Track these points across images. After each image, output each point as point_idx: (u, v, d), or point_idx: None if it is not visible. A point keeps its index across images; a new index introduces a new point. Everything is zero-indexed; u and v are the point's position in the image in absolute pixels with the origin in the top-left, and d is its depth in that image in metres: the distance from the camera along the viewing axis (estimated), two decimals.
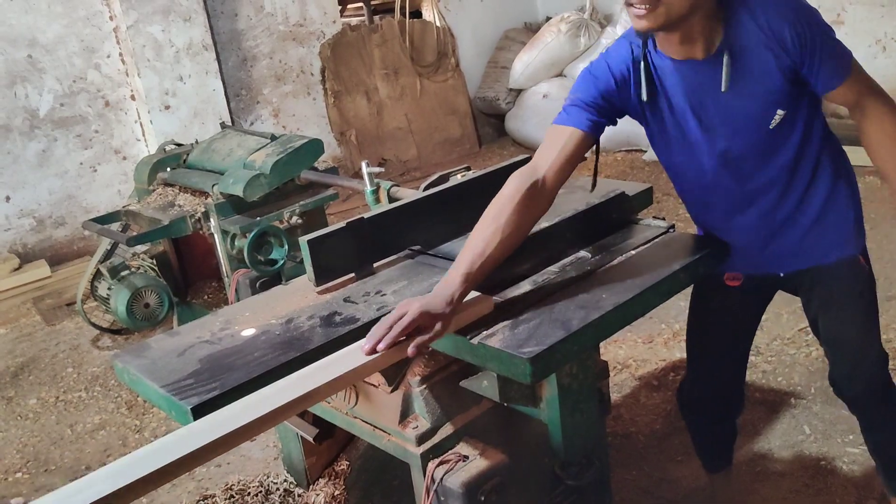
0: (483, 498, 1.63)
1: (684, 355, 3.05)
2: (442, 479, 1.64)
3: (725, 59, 1.60)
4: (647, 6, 1.52)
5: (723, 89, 1.62)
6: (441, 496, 1.65)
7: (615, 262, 1.81)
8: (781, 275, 1.88)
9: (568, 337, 1.50)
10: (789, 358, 2.95)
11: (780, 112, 1.65)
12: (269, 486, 2.21)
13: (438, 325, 1.46)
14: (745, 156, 1.71)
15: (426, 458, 1.69)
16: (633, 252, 1.85)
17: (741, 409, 2.20)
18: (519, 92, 6.34)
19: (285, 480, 2.18)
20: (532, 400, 1.74)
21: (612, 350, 3.16)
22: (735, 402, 2.17)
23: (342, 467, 2.18)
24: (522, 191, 1.65)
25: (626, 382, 2.93)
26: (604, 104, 1.72)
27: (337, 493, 2.08)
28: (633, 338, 3.23)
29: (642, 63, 1.69)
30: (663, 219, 2.04)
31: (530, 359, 1.43)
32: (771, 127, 1.67)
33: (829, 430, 2.51)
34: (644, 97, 1.70)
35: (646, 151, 5.57)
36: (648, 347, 3.17)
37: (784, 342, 3.05)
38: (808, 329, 3.06)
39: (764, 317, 3.21)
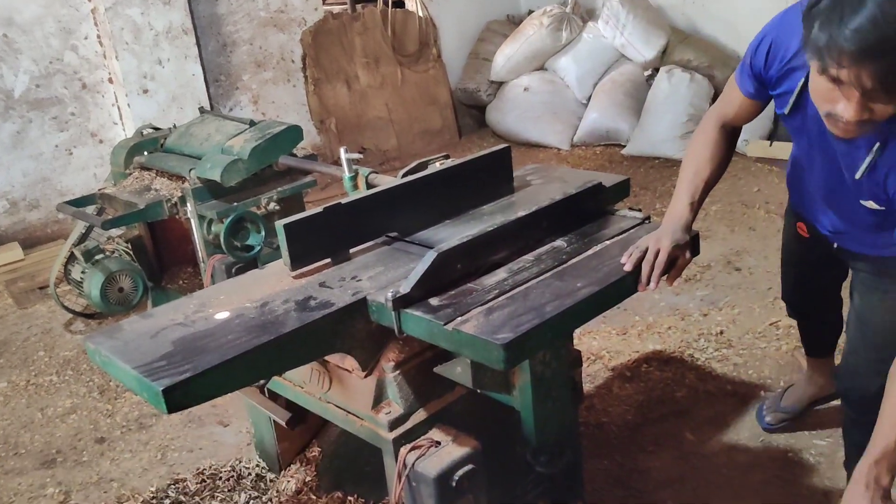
0: (455, 484, 1.64)
1: (657, 347, 3.10)
2: (414, 464, 1.65)
3: (875, 150, 1.52)
4: (857, 126, 1.38)
5: (857, 177, 1.58)
6: (413, 481, 1.66)
7: (590, 251, 1.83)
8: (835, 246, 1.94)
9: (542, 324, 1.51)
10: (760, 351, 2.99)
11: (872, 203, 1.63)
12: (240, 470, 2.20)
13: (688, 253, 1.77)
14: (838, 198, 1.75)
15: (398, 443, 1.70)
16: (608, 242, 1.87)
17: (838, 308, 2.35)
18: (500, 84, 6.34)
19: (257, 465, 2.18)
20: (505, 387, 1.75)
21: (587, 341, 3.18)
22: (830, 305, 2.32)
23: (314, 453, 2.18)
24: (717, 128, 1.89)
25: (599, 373, 2.95)
26: (759, 80, 1.76)
27: (308, 478, 2.08)
28: (608, 329, 3.25)
29: (803, 78, 1.60)
30: (639, 210, 2.06)
31: (504, 345, 1.44)
32: (864, 204, 1.65)
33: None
34: (786, 110, 1.70)
35: (625, 146, 5.61)
36: (622, 339, 3.19)
37: (756, 336, 3.09)
38: (779, 323, 3.13)
39: (736, 310, 3.32)
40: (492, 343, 1.45)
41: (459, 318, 1.56)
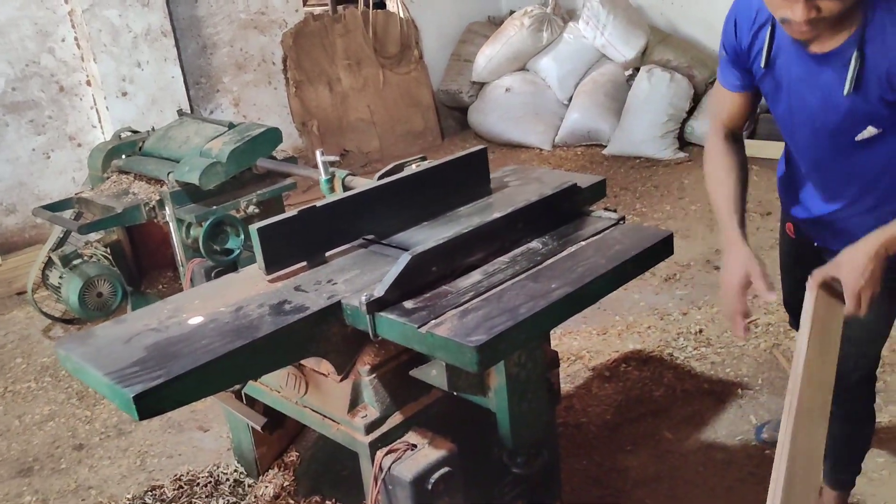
0: (431, 487, 1.64)
1: (637, 346, 3.12)
2: (390, 467, 1.65)
3: (854, 60, 1.51)
4: (809, 25, 1.46)
5: (845, 93, 1.55)
6: (389, 485, 1.66)
7: (565, 252, 1.83)
8: (815, 244, 1.95)
9: (515, 325, 1.51)
10: (738, 350, 3.01)
11: (871, 129, 1.60)
12: (218, 476, 2.19)
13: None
14: (829, 160, 1.74)
15: (374, 447, 1.70)
16: (583, 243, 1.87)
17: None
18: (482, 85, 6.35)
19: (235, 470, 2.17)
20: (480, 389, 1.75)
21: (567, 341, 3.19)
22: None
23: (292, 458, 2.17)
24: (721, 138, 1.88)
25: (579, 373, 2.97)
26: (737, 59, 1.77)
27: (286, 483, 2.07)
28: (588, 329, 3.27)
29: (769, 28, 1.65)
30: (615, 210, 2.07)
31: (477, 347, 1.44)
32: (857, 140, 1.63)
33: (774, 421, 2.57)
34: (762, 64, 1.70)
35: (605, 146, 5.63)
36: (602, 339, 3.21)
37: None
38: (758, 321, 3.16)
39: (715, 309, 3.34)
40: (465, 346, 1.45)
41: (433, 321, 1.56)
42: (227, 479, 2.16)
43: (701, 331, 3.18)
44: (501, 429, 1.78)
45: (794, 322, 2.36)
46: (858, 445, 2.10)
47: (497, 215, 1.88)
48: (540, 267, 1.77)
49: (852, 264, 1.60)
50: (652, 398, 2.77)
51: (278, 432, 2.12)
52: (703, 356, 3.00)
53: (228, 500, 2.10)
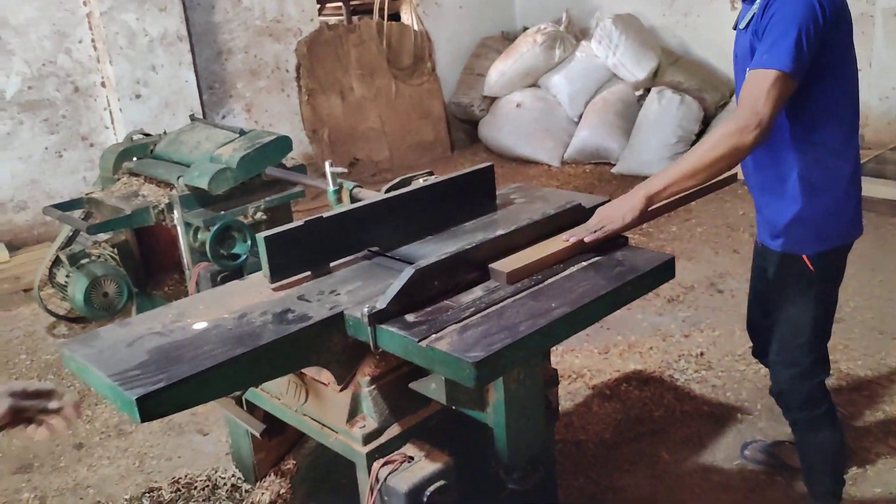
0: (426, 500, 1.65)
1: (638, 366, 3.13)
2: (386, 479, 1.66)
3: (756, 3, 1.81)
4: None
5: (741, 27, 1.90)
6: (384, 496, 1.67)
7: (566, 272, 1.84)
8: (759, 246, 2.10)
9: (514, 343, 1.52)
10: (739, 374, 3.01)
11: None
12: (216, 480, 2.20)
13: None
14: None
15: (371, 457, 1.71)
16: (584, 263, 1.89)
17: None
18: (493, 100, 6.39)
19: (233, 476, 2.18)
20: (479, 404, 1.76)
21: (569, 359, 3.20)
22: (761, 347, 2.30)
23: (289, 466, 2.19)
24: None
25: (579, 391, 2.97)
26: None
27: (283, 490, 2.08)
28: (590, 348, 3.27)
29: None
30: None
31: (475, 363, 1.45)
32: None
33: (760, 443, 2.57)
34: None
35: (614, 164, 5.65)
36: (604, 358, 3.21)
37: (735, 358, 3.12)
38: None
39: (717, 332, 3.35)
40: (463, 361, 1.47)
41: (434, 336, 1.57)
42: (225, 484, 2.17)
43: (702, 353, 3.18)
44: (498, 444, 1.79)
45: (756, 349, 2.38)
46: (820, 454, 2.11)
47: (501, 232, 1.90)
48: (541, 286, 1.79)
49: (608, 209, 1.89)
50: (651, 418, 2.77)
51: (277, 439, 2.13)
52: (704, 379, 3.00)
53: None
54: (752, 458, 2.49)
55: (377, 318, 1.63)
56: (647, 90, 5.81)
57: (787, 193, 1.94)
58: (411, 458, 1.71)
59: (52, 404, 1.44)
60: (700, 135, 5.48)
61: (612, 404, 2.88)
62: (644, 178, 2.01)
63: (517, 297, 1.73)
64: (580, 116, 6.00)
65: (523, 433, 1.80)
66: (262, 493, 2.07)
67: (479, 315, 1.65)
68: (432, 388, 1.68)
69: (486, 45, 6.70)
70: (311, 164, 5.26)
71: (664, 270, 1.87)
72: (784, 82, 1.73)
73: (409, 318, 1.65)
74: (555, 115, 6.06)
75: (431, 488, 1.65)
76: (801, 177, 1.91)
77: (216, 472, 2.27)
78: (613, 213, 1.90)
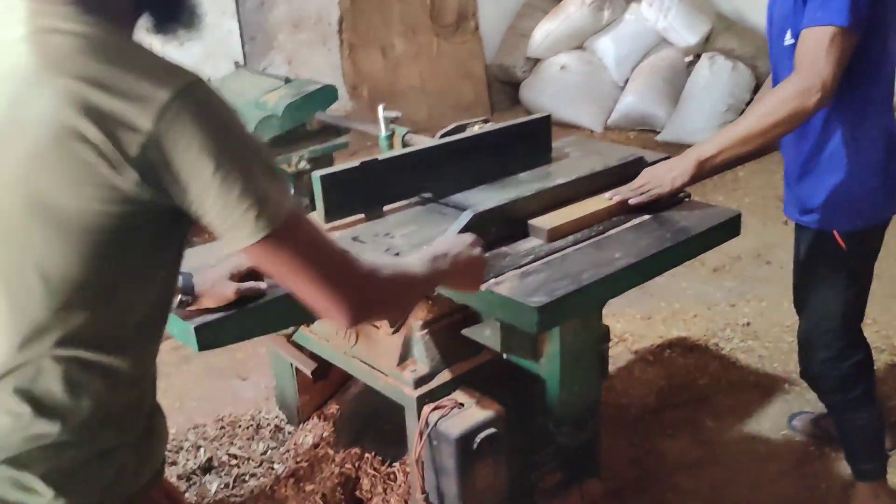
0: (476, 447, 1.62)
1: (681, 333, 3.07)
2: (436, 423, 1.64)
3: None
4: None
5: None
6: (433, 441, 1.65)
7: (628, 224, 1.79)
8: (785, 222, 2.03)
9: (577, 290, 1.48)
10: (787, 345, 2.94)
11: (789, 33, 1.72)
12: (260, 420, 2.20)
13: None
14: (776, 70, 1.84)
15: (422, 401, 1.69)
16: (647, 216, 1.83)
17: None
18: (536, 61, 6.26)
19: (276, 417, 2.18)
20: (533, 353, 1.73)
21: (610, 323, 3.09)
22: None
23: (332, 410, 2.18)
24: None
25: (621, 355, 2.92)
26: None
27: (326, 433, 2.08)
28: (632, 313, 3.22)
29: None
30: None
31: (538, 308, 1.41)
32: (785, 44, 1.74)
33: (809, 414, 2.51)
34: None
35: (659, 132, 5.53)
36: (646, 323, 3.16)
37: (783, 329, 3.04)
38: None
39: (764, 303, 3.27)
40: (525, 305, 1.43)
41: (493, 280, 1.53)
42: (269, 425, 2.17)
43: (749, 323, 3.11)
44: (550, 396, 1.76)
45: None
46: (860, 435, 2.05)
47: (561, 181, 1.85)
48: (602, 237, 1.74)
49: (656, 170, 1.83)
50: (696, 386, 2.72)
51: (321, 383, 2.12)
52: (750, 349, 2.94)
53: (269, 445, 2.12)
54: (802, 430, 2.44)
55: None
56: (697, 56, 5.65)
57: (823, 162, 1.83)
58: (462, 404, 1.69)
59: (262, 284, 1.44)
60: (750, 104, 5.33)
61: (655, 370, 2.83)
62: (689, 146, 1.93)
63: (577, 246, 1.68)
64: (626, 81, 5.86)
65: (576, 386, 1.76)
66: (306, 435, 2.06)
67: (538, 262, 1.61)
68: (486, 334, 1.65)
69: (531, 5, 6.54)
70: (350, 119, 5.21)
71: (730, 227, 1.82)
72: (843, 38, 1.61)
73: None
74: (600, 79, 5.92)
75: (482, 435, 1.63)
76: (839, 145, 1.80)
77: (259, 412, 2.27)
78: (662, 176, 1.82)
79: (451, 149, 2.06)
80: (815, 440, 2.41)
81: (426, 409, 1.67)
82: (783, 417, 2.54)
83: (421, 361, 1.73)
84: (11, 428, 0.92)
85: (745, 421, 2.54)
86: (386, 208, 1.93)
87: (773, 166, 4.79)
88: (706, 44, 5.67)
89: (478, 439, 1.63)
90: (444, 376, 1.74)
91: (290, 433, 2.14)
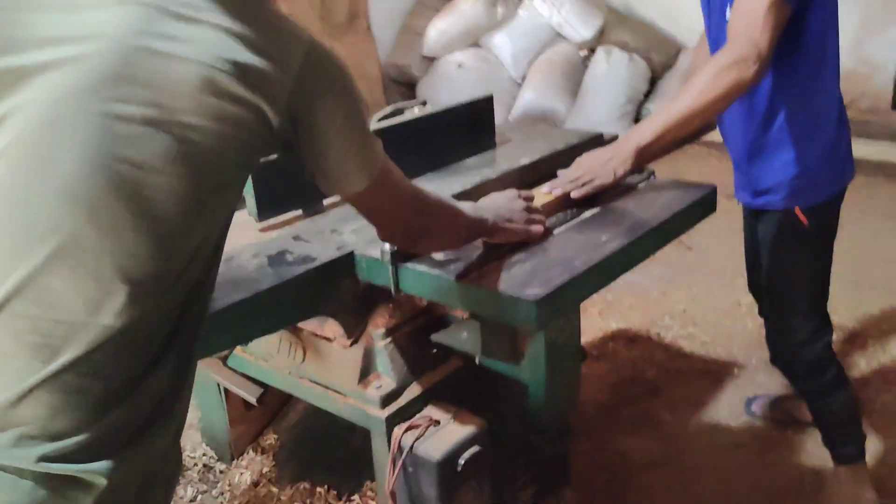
0: (461, 468, 1.40)
1: (620, 325, 2.96)
2: (412, 446, 1.40)
3: None
4: None
5: None
6: (410, 466, 1.42)
7: (602, 206, 1.62)
8: (737, 201, 1.91)
9: (573, 279, 1.29)
10: (726, 329, 2.89)
11: (729, 9, 1.61)
12: (184, 460, 1.88)
13: None
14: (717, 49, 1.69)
15: (392, 422, 1.45)
16: (618, 198, 1.67)
17: None
18: (432, 60, 6.10)
19: (203, 454, 1.86)
20: (513, 356, 1.52)
21: None
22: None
23: (270, 441, 1.89)
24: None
25: None
26: None
27: (266, 469, 1.79)
28: None
29: None
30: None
31: (537, 301, 1.21)
32: (727, 20, 1.63)
33: (765, 397, 2.44)
34: None
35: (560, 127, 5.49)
36: (583, 317, 3.01)
37: (719, 314, 3.00)
38: (742, 301, 3.05)
39: (695, 289, 3.22)
40: (522, 300, 1.22)
41: (475, 273, 1.32)
42: (196, 465, 1.85)
43: (685, 310, 3.04)
44: (532, 402, 1.56)
45: (763, 310, 2.19)
46: (836, 418, 1.99)
47: (525, 161, 1.66)
48: (578, 220, 1.56)
49: (592, 160, 1.65)
50: (645, 378, 2.60)
51: (254, 411, 1.83)
52: (692, 336, 2.86)
53: (198, 489, 1.79)
54: (762, 415, 2.36)
55: (401, 256, 1.37)
56: (592, 50, 5.66)
57: (773, 140, 1.77)
58: (437, 421, 1.46)
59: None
60: (648, 95, 5.38)
61: (601, 364, 2.70)
62: None
63: (559, 230, 1.49)
64: (524, 77, 5.80)
65: (560, 389, 1.58)
66: (242, 473, 1.77)
67: (520, 252, 1.40)
68: (463, 338, 1.43)
69: (424, 4, 6.38)
70: None
71: (709, 201, 1.69)
72: (779, 7, 1.53)
73: (437, 256, 1.39)
74: (498, 75, 5.83)
75: (466, 455, 1.41)
76: (788, 120, 1.74)
77: (183, 450, 1.94)
78: (602, 166, 1.65)
79: (390, 133, 1.83)
80: (776, 424, 2.34)
81: (397, 430, 1.44)
82: (739, 403, 2.45)
83: (386, 375, 1.49)
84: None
85: (702, 411, 2.44)
86: (327, 202, 1.68)
87: (677, 156, 4.84)
88: (600, 38, 5.70)
89: (461, 460, 1.41)
90: (414, 390, 1.51)
91: (221, 472, 1.83)
